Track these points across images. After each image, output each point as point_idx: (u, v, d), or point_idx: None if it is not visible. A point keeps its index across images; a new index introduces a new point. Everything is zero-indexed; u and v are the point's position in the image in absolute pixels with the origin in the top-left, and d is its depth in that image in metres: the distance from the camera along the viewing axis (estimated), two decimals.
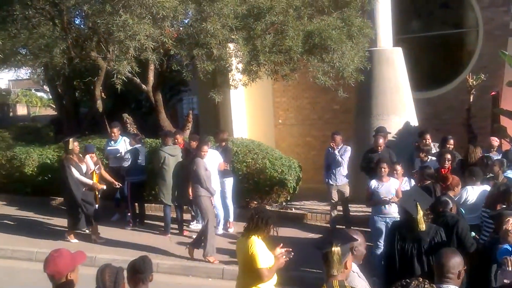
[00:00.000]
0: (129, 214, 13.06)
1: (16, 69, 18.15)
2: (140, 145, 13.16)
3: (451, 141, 11.52)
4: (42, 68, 15.98)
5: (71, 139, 11.77)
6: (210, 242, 10.60)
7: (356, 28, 12.35)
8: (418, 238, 6.72)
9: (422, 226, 6.68)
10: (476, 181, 9.14)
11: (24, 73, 21.95)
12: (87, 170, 11.82)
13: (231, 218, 12.43)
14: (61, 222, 13.08)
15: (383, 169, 9.72)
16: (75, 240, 11.87)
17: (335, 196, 12.00)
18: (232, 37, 11.39)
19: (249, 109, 17.49)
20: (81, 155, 12.01)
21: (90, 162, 11.97)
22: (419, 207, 6.71)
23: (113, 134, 13.32)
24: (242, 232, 6.46)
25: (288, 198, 13.70)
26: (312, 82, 12.90)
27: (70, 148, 11.59)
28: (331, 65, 12.12)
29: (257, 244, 6.21)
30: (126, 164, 12.78)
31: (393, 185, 9.65)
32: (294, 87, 17.12)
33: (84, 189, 11.76)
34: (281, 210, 13.35)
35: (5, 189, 15.63)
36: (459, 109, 14.74)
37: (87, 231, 12.21)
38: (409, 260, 6.77)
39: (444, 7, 16.73)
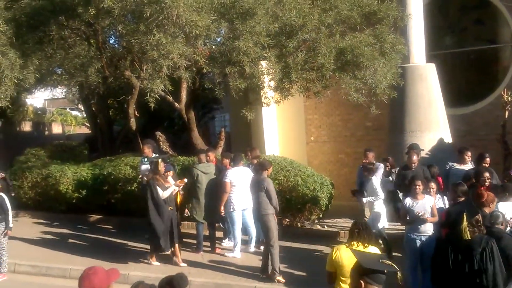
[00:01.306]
0: None
1: (52, 88, 18.56)
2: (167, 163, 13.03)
3: (488, 159, 11.34)
4: (77, 87, 16.25)
5: (159, 160, 11.52)
6: (278, 261, 10.48)
7: (388, 45, 12.30)
8: (469, 248, 6.71)
9: (467, 235, 6.69)
10: (509, 196, 8.99)
11: (59, 92, 22.35)
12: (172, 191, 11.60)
13: (263, 236, 12.37)
14: (95, 239, 13.21)
15: (417, 187, 9.58)
16: (157, 263, 11.48)
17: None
18: (264, 54, 11.43)
19: (281, 126, 17.49)
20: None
21: (172, 182, 11.69)
22: (464, 217, 6.86)
23: (144, 152, 13.40)
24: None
25: (320, 216, 13.60)
26: (344, 99, 12.87)
27: (159, 169, 11.37)
28: (364, 82, 12.09)
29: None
30: None
31: (428, 203, 9.51)
32: (326, 104, 17.09)
33: (169, 208, 11.44)
34: (314, 228, 13.27)
35: (40, 207, 15.85)
36: (494, 125, 14.54)
37: (168, 252, 11.77)
38: (462, 270, 6.81)
39: (477, 23, 16.59)
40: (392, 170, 12.40)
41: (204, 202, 12.13)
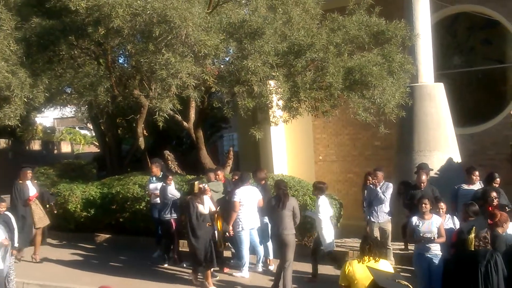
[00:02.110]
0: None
1: (61, 107, 18.64)
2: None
3: (498, 179, 11.28)
4: (87, 106, 16.32)
5: (196, 182, 11.41)
6: (291, 282, 10.52)
7: (397, 64, 12.32)
8: (475, 261, 6.78)
9: (471, 246, 6.81)
10: None
11: (68, 111, 22.47)
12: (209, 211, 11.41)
13: (271, 256, 12.33)
14: (104, 258, 13.21)
15: (424, 205, 9.55)
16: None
17: (376, 234, 11.83)
18: (273, 74, 11.46)
19: (290, 145, 17.48)
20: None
21: (209, 201, 11.48)
22: (473, 229, 7.23)
23: (153, 171, 13.44)
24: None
25: None
26: (352, 118, 12.87)
27: (195, 191, 11.25)
28: (372, 101, 12.09)
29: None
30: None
31: (434, 223, 9.46)
32: (335, 123, 17.08)
33: (207, 225, 11.31)
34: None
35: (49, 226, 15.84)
36: (503, 144, 14.49)
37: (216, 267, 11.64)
38: (468, 283, 7.04)
39: (486, 43, 16.60)
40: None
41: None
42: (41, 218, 13.37)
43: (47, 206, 13.72)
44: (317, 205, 11.36)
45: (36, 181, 13.89)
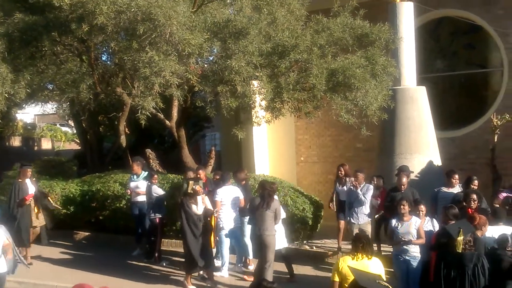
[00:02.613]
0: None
1: (42, 103, 18.47)
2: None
3: (476, 182, 11.45)
4: (68, 103, 16.20)
5: (190, 182, 11.26)
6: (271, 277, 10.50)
7: (380, 67, 12.38)
8: (462, 264, 6.86)
9: (459, 248, 6.92)
10: (498, 221, 9.03)
11: (50, 107, 22.26)
12: (205, 210, 11.30)
13: (250, 256, 12.32)
14: (83, 256, 13.16)
15: (402, 207, 9.63)
16: (192, 287, 11.16)
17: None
18: (256, 74, 11.48)
19: (272, 146, 17.50)
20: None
21: (206, 201, 11.40)
22: (461, 231, 7.41)
23: (134, 169, 13.38)
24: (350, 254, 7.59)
25: (309, 236, 13.59)
26: (335, 120, 12.93)
27: (189, 191, 11.14)
28: (355, 103, 12.15)
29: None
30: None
31: (413, 224, 9.53)
32: (317, 124, 17.13)
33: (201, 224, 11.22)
34: (302, 249, 13.23)
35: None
36: (484, 149, 14.61)
37: (203, 273, 11.59)
38: (454, 285, 7.19)
39: (468, 47, 16.74)
40: (347, 178, 12.68)
41: None
42: (36, 217, 13.00)
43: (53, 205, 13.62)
44: None
45: (34, 179, 13.56)
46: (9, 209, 12.64)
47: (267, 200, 10.66)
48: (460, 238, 7.25)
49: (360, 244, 7.49)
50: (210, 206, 11.35)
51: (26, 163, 13.48)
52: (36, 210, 12.96)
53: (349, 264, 7.26)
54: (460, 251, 7.28)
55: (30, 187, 12.89)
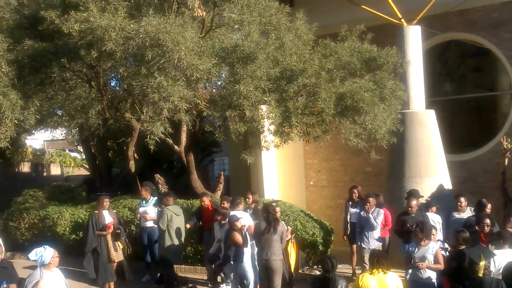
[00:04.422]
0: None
1: (52, 129, 18.52)
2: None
3: (489, 205, 11.37)
4: (77, 128, 16.23)
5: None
6: None
7: (388, 91, 12.38)
8: None
9: (480, 273, 7.28)
10: (503, 244, 8.92)
11: (59, 133, 22.35)
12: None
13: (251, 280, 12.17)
14: (92, 282, 13.06)
15: (418, 232, 9.58)
16: None
17: (367, 260, 11.77)
18: (265, 99, 11.48)
19: (281, 170, 17.46)
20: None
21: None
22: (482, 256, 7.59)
23: (143, 195, 13.37)
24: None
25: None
26: (344, 144, 12.88)
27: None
28: (364, 127, 12.12)
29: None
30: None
31: (430, 249, 9.41)
32: (326, 148, 17.10)
33: None
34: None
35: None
36: (494, 172, 14.52)
37: None
38: None
39: (476, 71, 16.72)
40: (359, 199, 12.79)
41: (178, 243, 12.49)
42: (116, 251, 12.10)
43: (119, 243, 12.27)
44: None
45: (114, 210, 13.10)
46: (87, 243, 11.99)
47: (273, 224, 10.61)
48: (482, 263, 7.34)
49: (375, 258, 7.91)
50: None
51: (103, 193, 12.84)
52: (120, 244, 12.22)
53: (367, 279, 7.71)
54: (481, 275, 7.36)
55: (108, 218, 12.13)
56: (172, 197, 13.07)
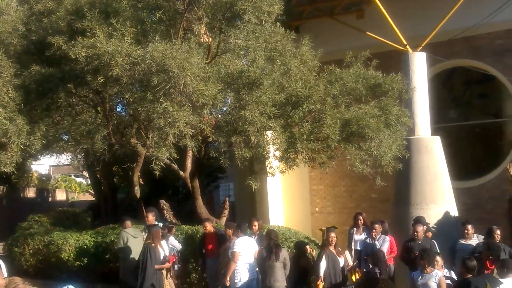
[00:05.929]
0: None
1: (57, 154, 18.56)
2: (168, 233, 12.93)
3: (498, 231, 11.25)
4: (83, 154, 16.26)
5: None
6: None
7: (393, 117, 12.37)
8: None
9: None
10: (507, 273, 8.83)
11: (64, 158, 22.39)
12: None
13: None
14: None
15: (421, 259, 9.48)
16: None
17: None
18: (270, 124, 11.48)
19: (286, 196, 17.42)
20: None
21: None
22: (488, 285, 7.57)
23: (147, 220, 13.32)
24: None
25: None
26: (349, 170, 12.85)
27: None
28: (369, 153, 12.09)
29: None
30: None
31: (433, 277, 9.31)
32: (331, 175, 17.08)
33: None
34: None
35: (41, 274, 15.59)
36: (501, 199, 14.46)
37: None
38: None
39: (482, 97, 16.74)
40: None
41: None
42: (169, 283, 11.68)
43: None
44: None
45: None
46: (145, 280, 10.93)
47: (275, 250, 10.56)
48: None
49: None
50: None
51: (154, 224, 12.28)
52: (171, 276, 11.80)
53: None
54: None
55: (165, 249, 11.82)
56: (129, 220, 13.13)
